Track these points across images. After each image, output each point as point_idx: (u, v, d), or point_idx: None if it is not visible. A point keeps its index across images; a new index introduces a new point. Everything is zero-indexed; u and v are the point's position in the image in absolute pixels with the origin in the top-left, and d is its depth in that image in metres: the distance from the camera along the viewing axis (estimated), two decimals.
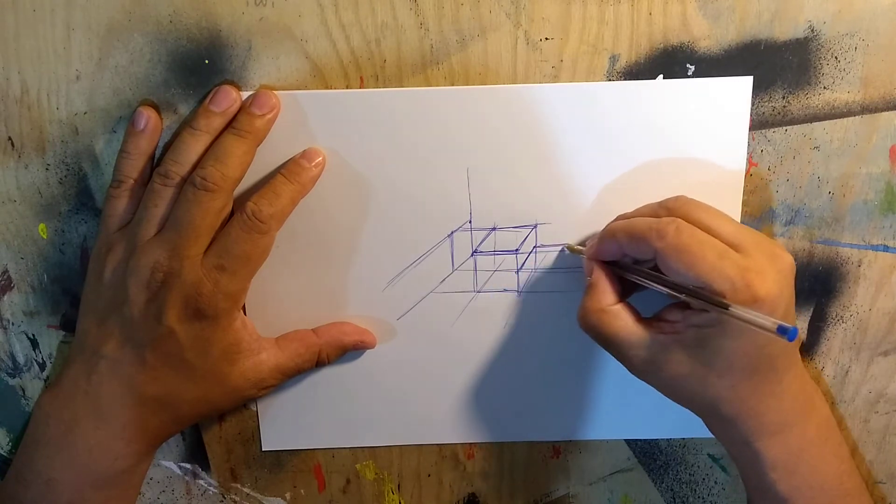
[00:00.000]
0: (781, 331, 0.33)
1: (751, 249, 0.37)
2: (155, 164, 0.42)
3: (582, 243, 0.43)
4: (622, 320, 0.39)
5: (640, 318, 0.40)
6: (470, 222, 0.43)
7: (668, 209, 0.39)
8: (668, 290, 0.37)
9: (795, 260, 0.44)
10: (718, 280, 0.35)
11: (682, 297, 0.37)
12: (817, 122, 0.42)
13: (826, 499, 0.40)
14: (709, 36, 0.41)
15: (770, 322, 0.33)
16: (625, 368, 0.43)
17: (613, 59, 0.41)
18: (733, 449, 0.41)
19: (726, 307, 0.35)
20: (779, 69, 0.41)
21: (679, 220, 0.37)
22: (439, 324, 0.45)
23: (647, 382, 0.40)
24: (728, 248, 0.36)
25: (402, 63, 0.41)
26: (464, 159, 0.42)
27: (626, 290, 0.41)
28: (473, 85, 0.41)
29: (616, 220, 0.42)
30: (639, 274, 0.39)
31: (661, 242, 0.37)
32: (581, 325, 0.40)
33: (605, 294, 0.40)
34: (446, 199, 0.43)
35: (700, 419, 0.40)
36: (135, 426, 0.41)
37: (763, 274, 0.36)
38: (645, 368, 0.39)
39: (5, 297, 0.45)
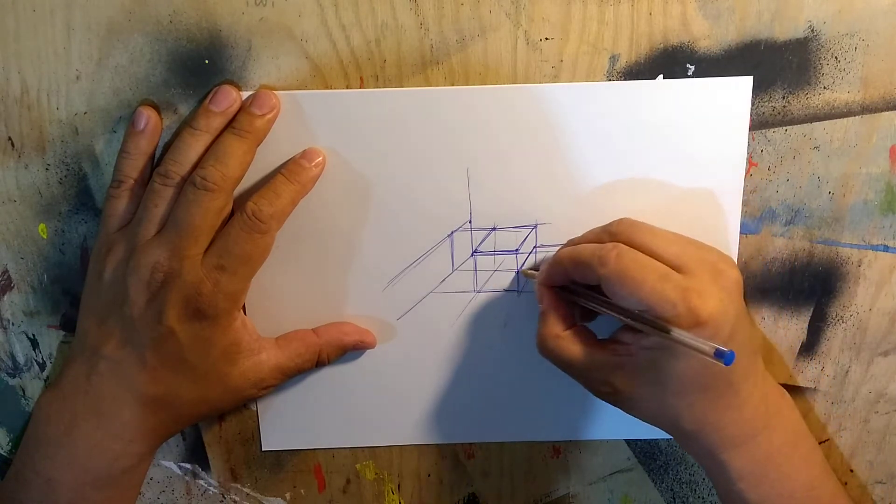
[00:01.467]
0: (718, 355, 0.33)
1: (694, 269, 0.37)
2: (155, 164, 0.42)
3: (535, 268, 0.43)
4: (576, 345, 0.40)
5: (595, 341, 0.40)
6: (470, 222, 0.43)
7: (612, 234, 0.39)
8: (615, 315, 0.38)
9: (795, 260, 0.44)
10: (660, 304, 0.36)
11: (628, 321, 0.37)
12: (817, 122, 0.42)
13: None
14: (709, 36, 0.41)
15: (707, 346, 0.33)
16: None
17: (613, 59, 0.41)
18: (701, 461, 0.41)
19: (668, 331, 0.35)
20: (779, 69, 0.41)
21: (621, 245, 0.38)
22: (439, 324, 0.45)
23: (609, 403, 0.40)
24: (670, 271, 0.37)
25: (402, 63, 0.41)
26: (464, 159, 0.42)
27: (585, 314, 0.42)
28: (473, 85, 0.41)
29: (565, 245, 0.42)
30: (588, 299, 0.40)
31: (603, 269, 0.37)
32: (539, 351, 0.41)
33: (558, 321, 0.40)
34: (446, 199, 0.43)
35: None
36: (135, 426, 0.41)
37: (705, 294, 0.36)
38: (602, 390, 0.40)
39: (5, 297, 0.45)
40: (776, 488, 0.40)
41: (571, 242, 0.42)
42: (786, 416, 0.42)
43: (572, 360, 0.40)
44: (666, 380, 0.38)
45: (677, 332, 0.35)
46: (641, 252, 0.37)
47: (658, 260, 0.37)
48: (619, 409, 0.40)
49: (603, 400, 0.40)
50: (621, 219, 0.40)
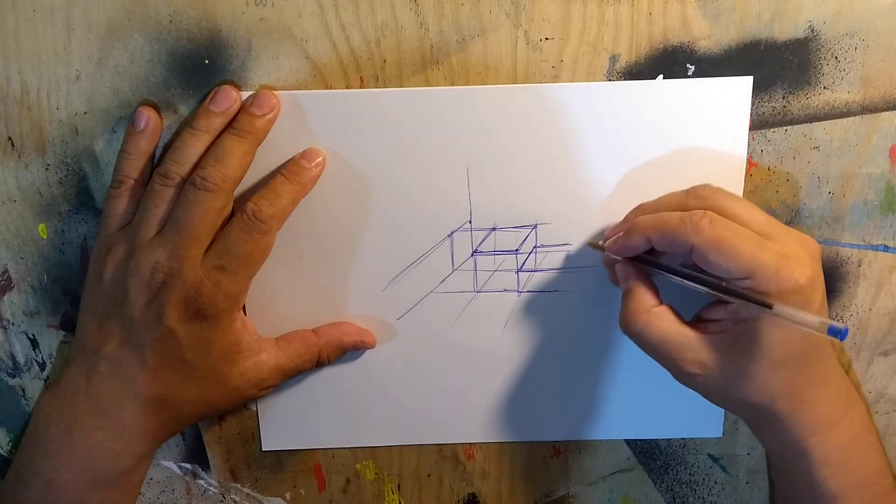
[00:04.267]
0: (833, 332, 0.31)
1: (783, 237, 0.36)
2: (155, 164, 0.42)
3: (597, 239, 0.42)
4: (668, 322, 0.38)
5: (682, 319, 0.38)
6: (470, 222, 0.43)
7: (698, 197, 0.38)
8: (710, 291, 0.36)
9: None
10: (761, 270, 0.34)
11: (725, 297, 0.36)
12: (817, 122, 0.42)
13: (868, 495, 0.40)
14: (709, 36, 0.41)
15: (818, 322, 0.32)
16: (623, 368, 0.43)
17: (613, 59, 0.41)
18: (781, 450, 0.40)
19: (769, 306, 0.34)
20: (779, 69, 0.41)
21: (711, 212, 0.36)
22: (439, 324, 0.45)
23: (694, 389, 0.38)
24: (763, 238, 0.36)
25: (402, 63, 0.41)
26: (464, 159, 0.42)
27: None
28: (473, 85, 0.41)
29: (635, 210, 0.41)
30: (677, 274, 0.37)
31: (697, 237, 0.35)
32: (624, 330, 0.39)
33: (647, 295, 0.38)
34: (446, 199, 0.43)
35: (707, 420, 0.40)
36: (135, 426, 0.41)
37: (800, 260, 0.35)
38: (690, 371, 0.37)
39: (5, 297, 0.45)
40: (856, 475, 0.39)
41: (643, 209, 0.40)
42: (858, 401, 0.41)
43: (663, 338, 0.37)
44: (766, 353, 0.36)
45: (781, 308, 0.33)
46: (730, 220, 0.36)
47: (746, 227, 0.36)
48: (618, 409, 0.40)
49: (685, 384, 0.38)
50: (705, 184, 0.38)
